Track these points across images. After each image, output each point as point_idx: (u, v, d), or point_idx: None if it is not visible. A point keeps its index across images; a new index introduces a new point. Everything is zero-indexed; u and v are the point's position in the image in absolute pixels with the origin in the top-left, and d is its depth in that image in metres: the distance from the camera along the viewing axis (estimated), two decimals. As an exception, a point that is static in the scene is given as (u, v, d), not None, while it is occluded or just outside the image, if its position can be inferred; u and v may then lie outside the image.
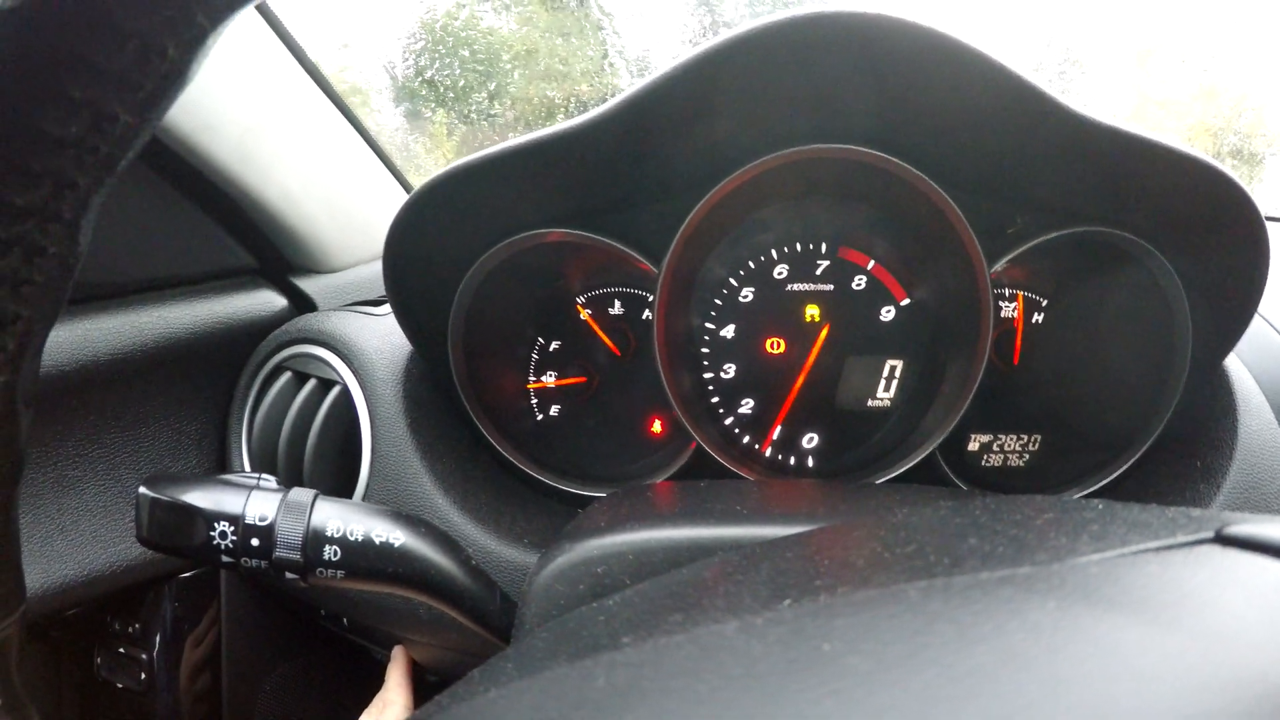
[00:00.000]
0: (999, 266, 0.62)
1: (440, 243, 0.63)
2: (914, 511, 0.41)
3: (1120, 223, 0.62)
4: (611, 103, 0.52)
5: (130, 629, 0.82)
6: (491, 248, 0.65)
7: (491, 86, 1.43)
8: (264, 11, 0.79)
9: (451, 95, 1.40)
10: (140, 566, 0.74)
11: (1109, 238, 0.62)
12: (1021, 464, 0.72)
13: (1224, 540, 0.27)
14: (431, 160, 1.37)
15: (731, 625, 0.26)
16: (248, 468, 0.76)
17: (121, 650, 0.82)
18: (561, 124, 0.54)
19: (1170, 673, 0.18)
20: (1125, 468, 0.68)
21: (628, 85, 0.96)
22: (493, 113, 1.41)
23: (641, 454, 0.72)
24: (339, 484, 0.70)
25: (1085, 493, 0.68)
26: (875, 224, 0.67)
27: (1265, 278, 0.60)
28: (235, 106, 0.75)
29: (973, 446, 0.71)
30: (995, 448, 0.71)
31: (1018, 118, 0.51)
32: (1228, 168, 0.54)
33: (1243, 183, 0.55)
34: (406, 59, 1.42)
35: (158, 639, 0.81)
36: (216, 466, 0.79)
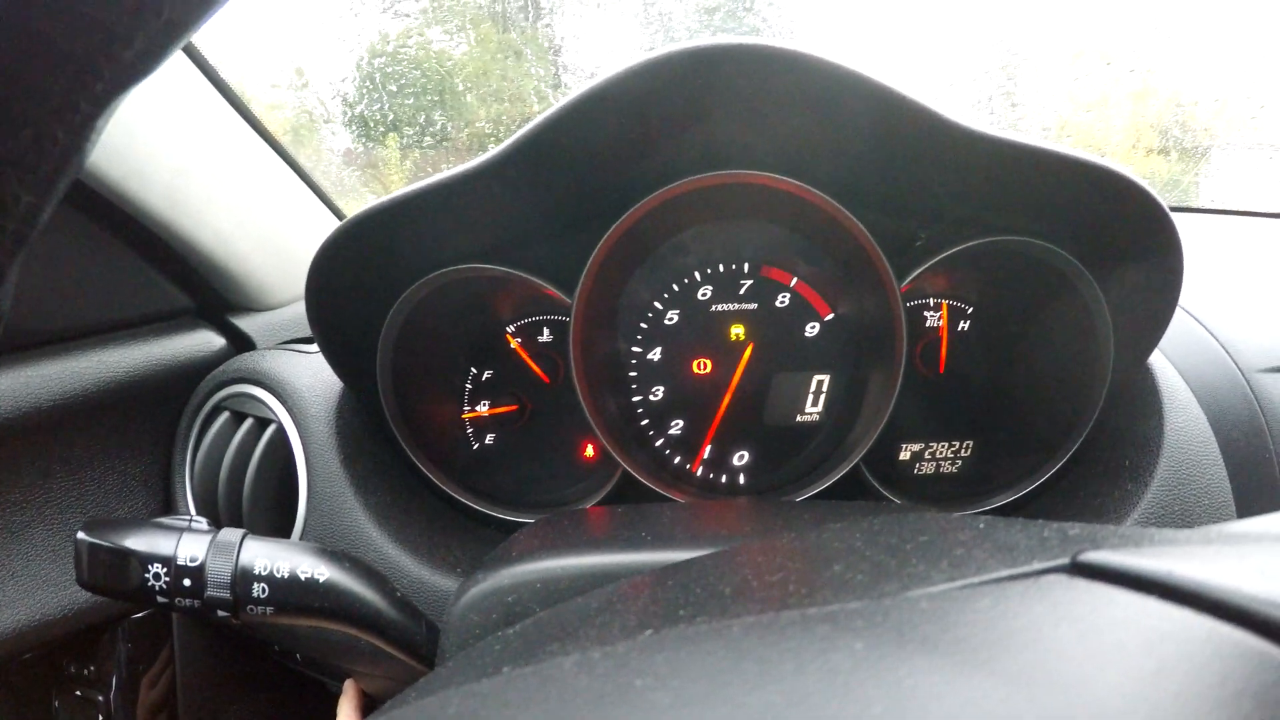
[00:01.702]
0: (911, 280, 0.64)
1: (360, 282, 0.66)
2: (798, 536, 0.43)
3: (1030, 231, 0.64)
4: (506, 143, 0.54)
5: (86, 671, 0.85)
6: (412, 284, 0.67)
7: (444, 108, 1.46)
8: (191, 54, 0.82)
9: (404, 118, 1.42)
10: (91, 609, 0.76)
11: (1021, 246, 0.65)
12: (955, 470, 0.74)
13: (1077, 568, 0.27)
14: (384, 185, 1.39)
15: (572, 659, 0.28)
16: (191, 508, 0.78)
17: (78, 693, 0.85)
18: (462, 165, 0.57)
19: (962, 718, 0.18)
20: (1055, 470, 0.70)
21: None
22: (446, 135, 1.44)
23: (575, 478, 0.74)
24: (278, 521, 0.72)
25: (1016, 496, 0.70)
26: (794, 243, 0.69)
27: (1180, 276, 0.62)
28: (164, 151, 0.78)
29: (904, 456, 0.73)
30: (927, 456, 0.73)
31: (907, 136, 0.54)
32: (1128, 169, 0.57)
33: (1144, 182, 0.57)
34: (358, 84, 1.44)
35: (113, 681, 0.83)
36: (162, 508, 0.81)
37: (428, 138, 1.44)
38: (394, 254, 0.65)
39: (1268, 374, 0.73)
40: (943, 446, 0.74)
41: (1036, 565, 0.27)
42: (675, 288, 0.71)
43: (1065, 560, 0.27)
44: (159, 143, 0.77)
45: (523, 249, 0.67)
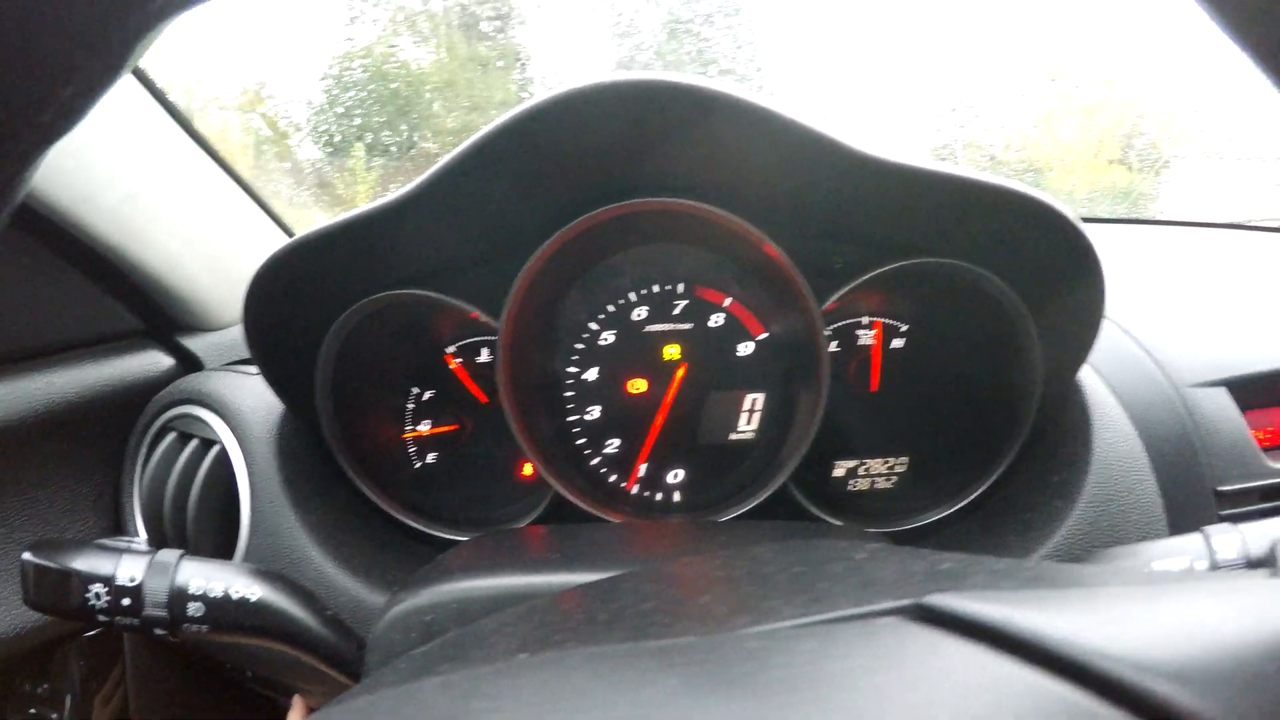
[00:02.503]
0: (835, 300, 0.66)
1: (297, 307, 0.69)
2: (688, 562, 0.46)
3: (951, 252, 0.66)
4: (427, 173, 0.57)
5: (40, 690, 0.87)
6: (347, 309, 0.70)
7: (411, 118, 1.49)
8: (141, 77, 0.85)
9: (370, 128, 1.45)
10: (43, 628, 0.79)
11: (943, 268, 0.67)
12: (890, 486, 0.77)
13: (920, 611, 0.27)
14: (351, 195, 1.42)
15: (434, 681, 0.31)
16: (140, 529, 0.81)
17: (33, 711, 0.87)
18: (388, 195, 0.59)
19: None
20: (986, 486, 0.73)
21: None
22: (413, 145, 1.47)
23: (514, 497, 0.77)
24: (222, 541, 0.75)
25: (949, 512, 0.73)
26: (725, 265, 0.72)
27: (1101, 293, 0.64)
28: (114, 175, 0.80)
29: (838, 473, 0.76)
30: (861, 472, 0.76)
31: (820, 167, 0.56)
32: (1039, 190, 0.59)
33: (1056, 202, 0.59)
34: (325, 94, 1.47)
35: (68, 699, 0.86)
36: (113, 528, 0.84)
37: (394, 148, 1.47)
38: (328, 280, 0.68)
39: (1200, 388, 0.75)
40: (878, 463, 0.76)
41: (882, 606, 0.28)
42: (611, 308, 0.74)
43: (910, 602, 0.28)
44: (108, 167, 0.80)
45: (457, 273, 0.69)
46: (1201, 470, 0.73)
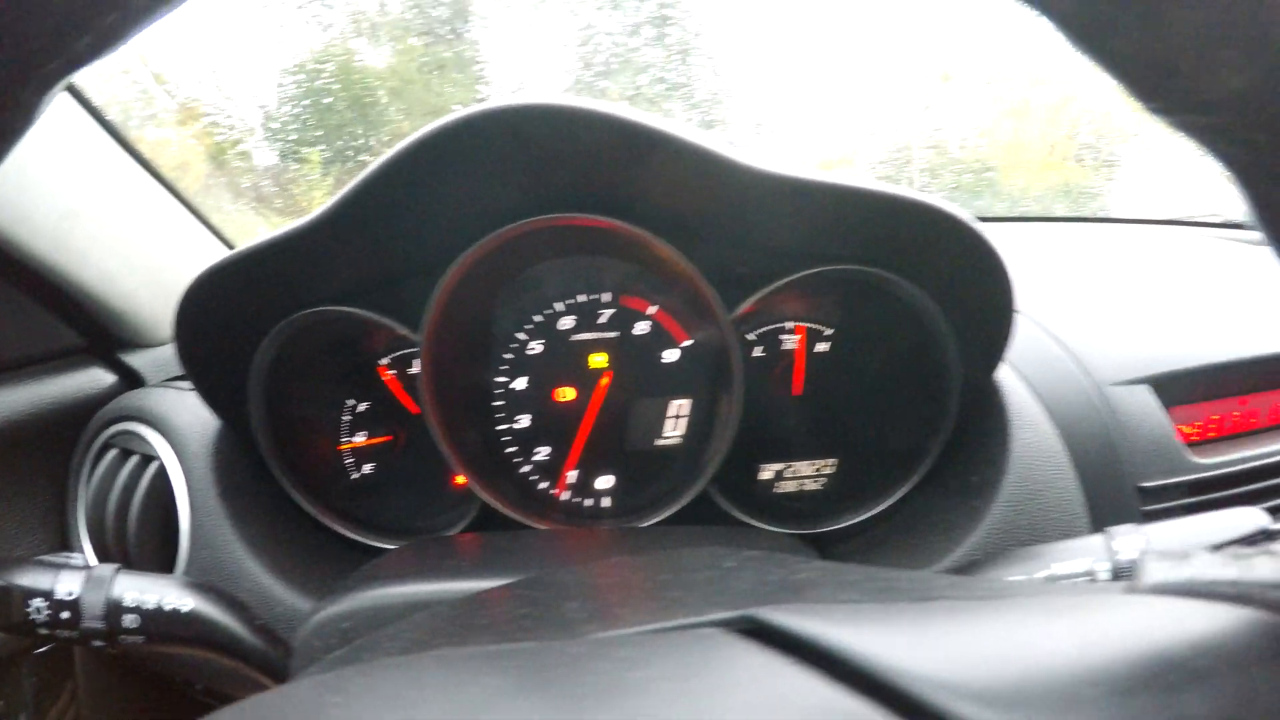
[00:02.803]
0: (745, 308, 0.69)
1: (226, 325, 0.70)
2: (575, 569, 0.48)
3: (860, 258, 0.68)
4: (336, 196, 0.59)
5: (-5, 706, 0.90)
6: (274, 327, 0.71)
7: (368, 122, 1.50)
8: (76, 94, 0.86)
9: (324, 132, 1.47)
10: (-6, 645, 0.81)
11: (854, 274, 0.69)
12: (818, 488, 0.79)
13: (747, 623, 0.28)
14: (308, 201, 1.43)
15: (306, 684, 0.32)
16: (86, 545, 0.83)
17: (-13, 728, 0.90)
18: (301, 219, 0.61)
19: None
20: (909, 488, 0.75)
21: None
22: (369, 148, 1.48)
23: (448, 506, 0.79)
24: (163, 555, 0.77)
25: (873, 512, 0.75)
26: (645, 275, 0.74)
27: (1009, 293, 0.66)
28: (52, 194, 0.82)
29: (765, 476, 0.78)
30: (788, 475, 0.78)
31: (713, 180, 0.58)
32: (933, 196, 0.61)
33: (951, 206, 0.61)
34: (280, 97, 1.48)
35: (21, 716, 0.88)
36: (60, 544, 0.86)
37: (350, 152, 1.48)
38: (256, 297, 0.70)
39: (1121, 387, 0.77)
40: (805, 465, 0.78)
41: (711, 617, 0.29)
42: (538, 318, 0.76)
43: (737, 614, 0.28)
44: (46, 186, 0.82)
45: (382, 288, 0.71)
46: (1124, 467, 0.75)
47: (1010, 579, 0.55)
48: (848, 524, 0.75)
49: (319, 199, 1.45)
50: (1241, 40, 0.20)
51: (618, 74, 1.34)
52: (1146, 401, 0.78)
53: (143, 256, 0.89)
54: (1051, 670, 0.20)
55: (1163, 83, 0.22)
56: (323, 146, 1.46)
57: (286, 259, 0.66)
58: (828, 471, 0.79)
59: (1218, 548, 0.54)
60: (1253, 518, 0.58)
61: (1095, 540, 0.56)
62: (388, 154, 0.57)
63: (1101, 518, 0.73)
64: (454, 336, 0.71)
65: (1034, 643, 0.23)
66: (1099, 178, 1.12)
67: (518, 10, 1.45)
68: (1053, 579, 0.55)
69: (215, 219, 0.96)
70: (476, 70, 1.50)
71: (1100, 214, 1.10)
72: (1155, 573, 0.27)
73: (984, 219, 1.25)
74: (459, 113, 0.55)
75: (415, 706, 0.23)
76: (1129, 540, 0.55)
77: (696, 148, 0.55)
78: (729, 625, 0.28)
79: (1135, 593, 0.27)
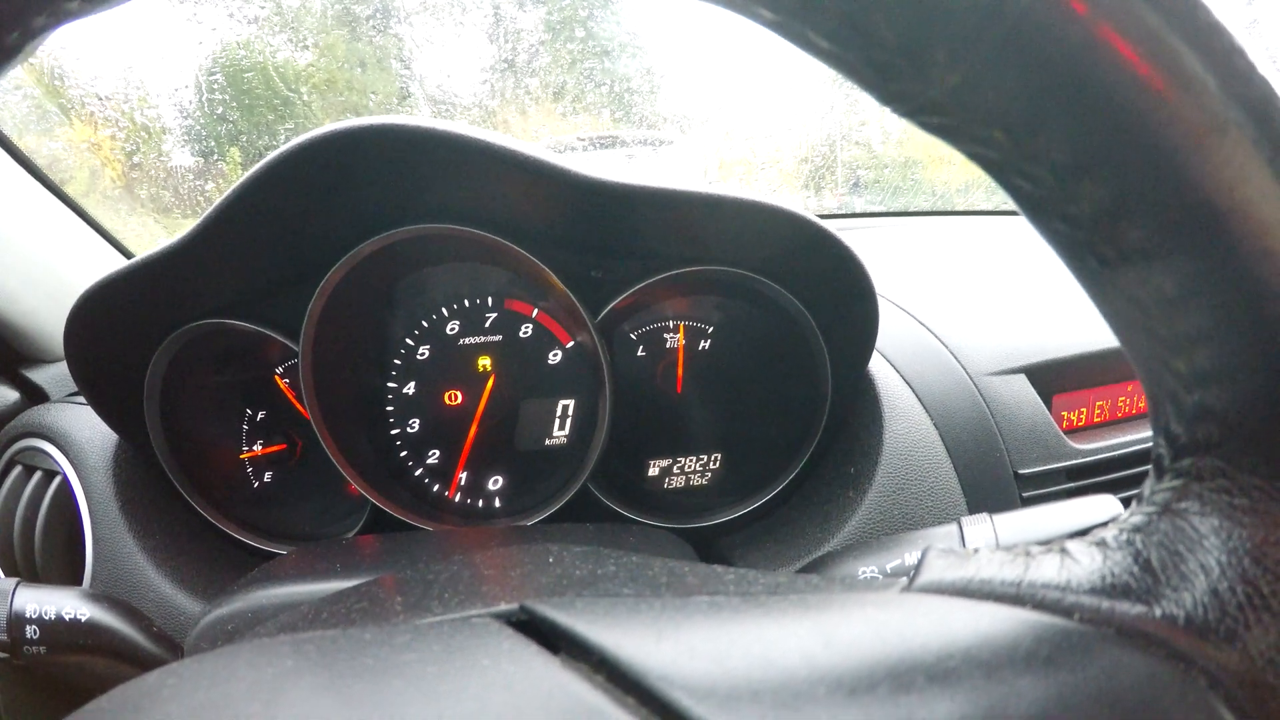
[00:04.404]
0: (609, 310, 0.76)
1: (114, 341, 0.77)
2: (426, 566, 0.55)
3: (719, 260, 0.75)
4: (209, 211, 0.66)
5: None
6: (162, 341, 0.78)
7: (290, 120, 1.56)
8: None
9: (245, 131, 1.52)
10: (-90, 664, 0.87)
11: (715, 274, 0.76)
12: (705, 483, 0.86)
13: (524, 614, 0.30)
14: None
15: (156, 673, 0.38)
16: (-6, 561, 0.90)
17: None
18: (178, 236, 0.68)
19: None
20: (790, 479, 0.82)
21: (426, 115, 1.11)
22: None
23: (346, 511, 0.86)
24: (70, 569, 0.84)
25: (756, 505, 0.82)
26: (522, 280, 0.81)
27: (868, 288, 0.72)
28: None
29: (652, 472, 0.85)
30: (676, 470, 0.85)
31: (553, 190, 0.65)
32: (772, 198, 0.68)
33: (793, 206, 0.68)
34: (197, 96, 1.54)
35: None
36: (-30, 560, 0.93)
37: (271, 150, 1.54)
38: (142, 313, 0.76)
39: (995, 377, 0.85)
40: (691, 460, 0.86)
41: (494, 609, 0.32)
42: (425, 324, 0.83)
43: (514, 606, 0.31)
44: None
45: (264, 299, 0.78)
46: (1002, 455, 0.82)
47: (810, 576, 0.62)
48: (729, 519, 0.82)
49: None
50: (944, 39, 0.20)
51: (541, 70, 1.41)
52: (1023, 390, 0.85)
53: (42, 271, 0.95)
54: (787, 669, 0.21)
55: (887, 85, 0.23)
56: (241, 147, 1.51)
57: (170, 273, 0.72)
58: (714, 467, 0.86)
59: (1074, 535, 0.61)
60: (1107, 506, 0.65)
61: (949, 529, 0.62)
62: (251, 171, 0.64)
63: (980, 504, 0.80)
64: (339, 344, 0.78)
65: (779, 641, 0.23)
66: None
67: (440, 7, 1.51)
68: (900, 570, 0.61)
69: (119, 230, 1.03)
70: (399, 67, 1.56)
71: (1001, 208, 1.17)
72: (933, 571, 0.28)
73: (894, 215, 1.32)
74: (308, 134, 0.61)
75: (227, 681, 0.26)
76: (978, 529, 0.61)
77: (540, 163, 0.62)
78: (504, 616, 0.31)
79: (910, 591, 0.28)
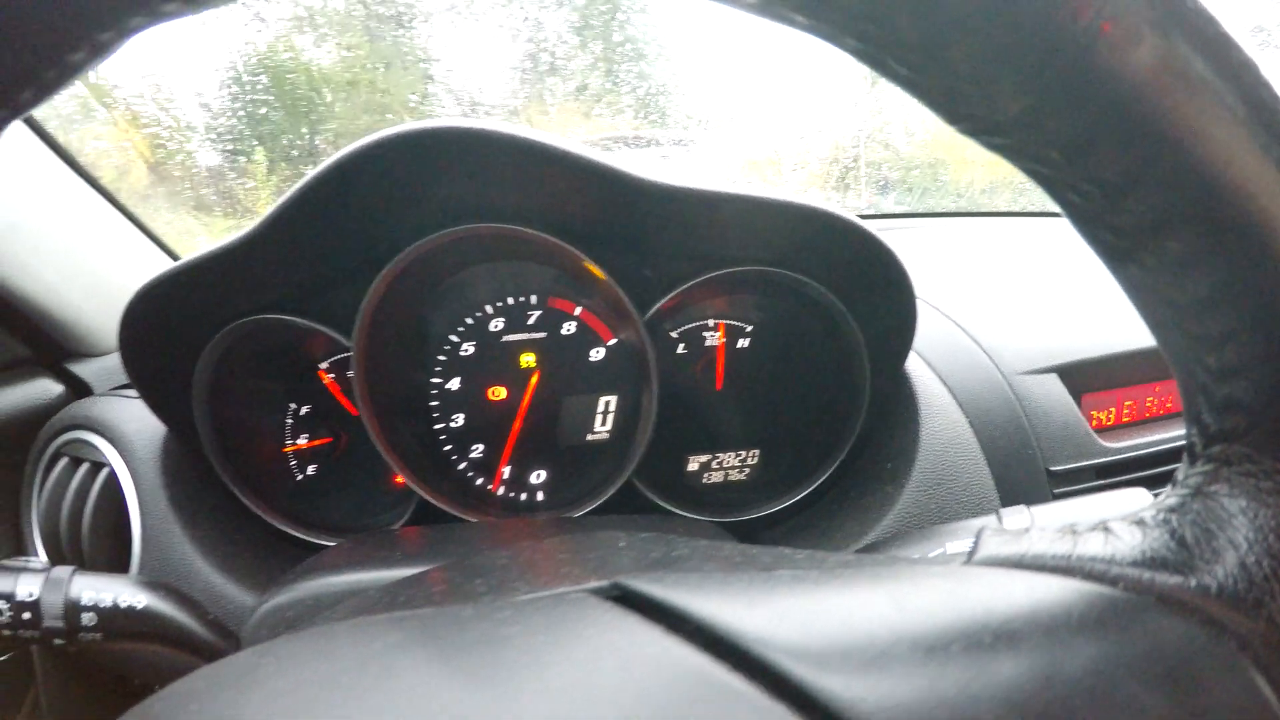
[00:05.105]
0: (656, 309, 0.80)
1: (167, 336, 0.80)
2: (495, 553, 0.58)
3: (763, 260, 0.79)
4: (266, 214, 0.69)
5: (-47, 718, 1.00)
6: (215, 335, 0.82)
7: (312, 121, 1.60)
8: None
9: (270, 131, 1.56)
10: (-49, 656, 0.91)
11: (758, 275, 0.80)
12: (744, 478, 0.90)
13: (618, 590, 0.31)
14: (253, 201, 1.53)
15: (244, 655, 0.42)
16: (40, 551, 0.93)
17: (-53, 740, 1.00)
18: (236, 234, 0.72)
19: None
20: (826, 476, 0.86)
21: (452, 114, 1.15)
22: (314, 148, 1.58)
23: (389, 503, 0.89)
24: (117, 559, 0.87)
25: (795, 499, 0.86)
26: (567, 279, 0.85)
27: (908, 288, 0.76)
28: (-6, 210, 0.92)
29: (692, 468, 0.89)
30: (714, 466, 0.89)
31: (607, 191, 0.69)
32: (816, 200, 0.72)
33: (841, 210, 0.72)
34: (222, 97, 1.58)
35: (-15, 727, 0.98)
36: (14, 551, 0.96)
37: (295, 152, 1.58)
38: (196, 308, 0.80)
39: (1029, 375, 0.89)
40: (729, 456, 0.89)
41: (586, 586, 0.33)
42: (469, 321, 0.86)
43: (608, 583, 0.32)
44: (-13, 202, 0.92)
45: (316, 296, 0.82)
46: (1034, 452, 0.86)
47: (874, 554, 0.66)
48: (769, 512, 0.86)
49: (264, 200, 1.55)
50: (1013, 72, 0.23)
51: (562, 70, 1.44)
52: (1055, 389, 0.89)
53: (86, 267, 0.99)
54: (869, 631, 0.23)
55: (956, 108, 0.26)
56: (266, 147, 1.55)
57: (225, 270, 0.76)
58: (751, 462, 0.90)
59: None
60: (1139, 498, 0.69)
61: (988, 520, 0.66)
62: (314, 171, 0.68)
63: (1012, 500, 0.84)
64: (387, 341, 0.81)
65: (859, 607, 0.25)
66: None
67: (461, 7, 1.55)
68: (943, 558, 0.65)
69: (156, 227, 1.06)
70: (422, 68, 1.60)
71: (1030, 209, 1.21)
72: (990, 547, 0.31)
73: (927, 215, 1.36)
74: (375, 135, 0.65)
75: (332, 657, 0.27)
76: (1016, 519, 0.65)
77: (600, 167, 0.66)
78: (600, 592, 0.32)
79: (970, 565, 0.30)
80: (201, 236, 1.39)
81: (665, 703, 0.21)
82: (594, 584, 0.33)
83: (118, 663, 0.92)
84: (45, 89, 0.25)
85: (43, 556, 0.92)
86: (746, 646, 0.23)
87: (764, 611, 0.25)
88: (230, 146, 1.56)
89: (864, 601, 0.26)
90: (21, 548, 0.96)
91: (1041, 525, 0.63)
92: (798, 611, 0.25)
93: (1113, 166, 0.25)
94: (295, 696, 0.24)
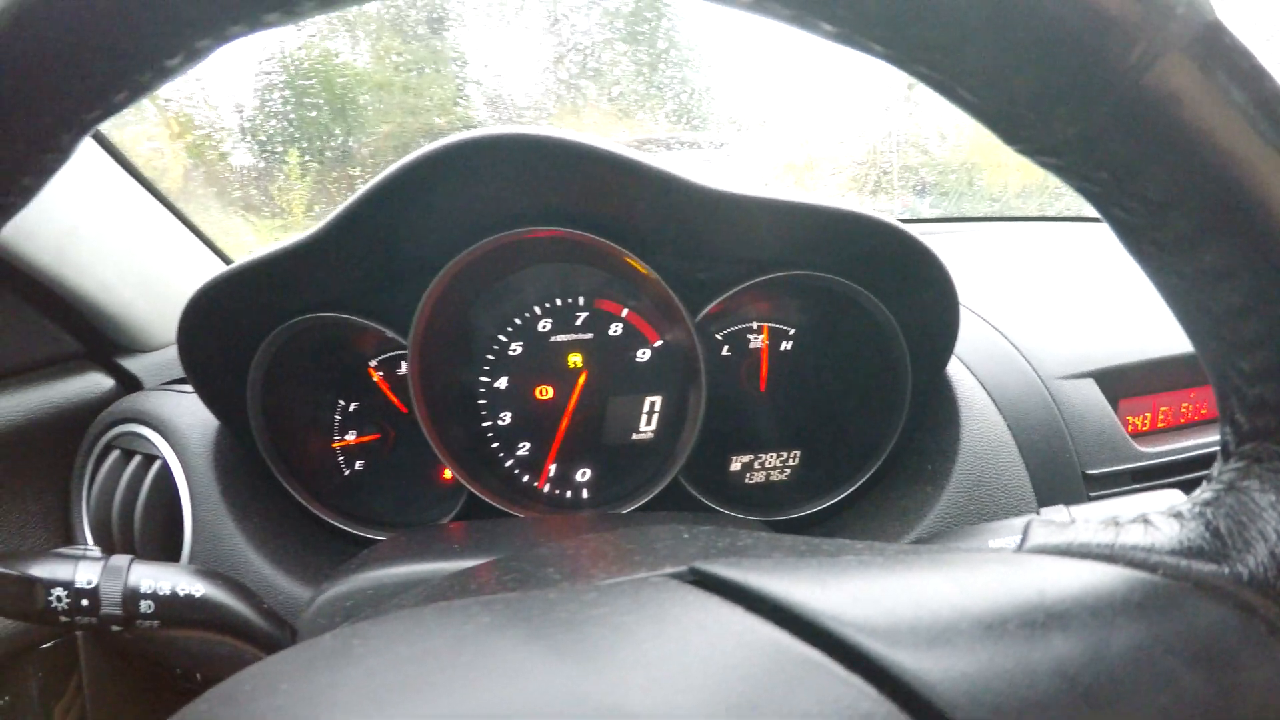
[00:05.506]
0: (706, 311, 0.82)
1: (225, 333, 0.83)
2: (558, 544, 0.61)
3: (810, 265, 0.82)
4: (330, 216, 0.72)
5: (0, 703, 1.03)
6: (271, 333, 0.85)
7: (346, 122, 1.64)
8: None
9: (303, 133, 1.60)
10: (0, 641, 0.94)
11: (805, 279, 0.83)
12: (785, 478, 0.92)
13: (694, 574, 0.33)
14: (287, 202, 1.57)
15: (328, 638, 0.45)
16: (90, 540, 0.96)
17: (-8, 725, 1.03)
18: (297, 235, 0.75)
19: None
20: (869, 475, 0.88)
21: (482, 117, 1.19)
22: (348, 149, 1.62)
23: (436, 499, 0.92)
24: (168, 549, 0.91)
25: (836, 500, 0.88)
26: (617, 281, 0.87)
27: (951, 292, 0.79)
28: (55, 212, 0.95)
29: (735, 467, 0.92)
30: (757, 466, 0.92)
31: (662, 195, 0.71)
32: (861, 206, 0.74)
33: (887, 216, 0.75)
34: (257, 100, 1.61)
35: (28, 712, 1.01)
36: (63, 540, 1.00)
37: (329, 153, 1.62)
38: (254, 306, 0.83)
39: (1066, 380, 0.91)
40: (771, 457, 0.92)
41: (664, 571, 0.35)
42: (518, 321, 0.89)
43: (684, 568, 0.34)
44: (49, 204, 0.95)
45: (371, 295, 0.85)
46: (1071, 456, 0.88)
47: (930, 545, 0.68)
48: (811, 512, 0.88)
49: (298, 201, 1.59)
50: (1069, 101, 0.26)
51: (598, 74, 1.48)
52: (1092, 394, 0.91)
53: (139, 266, 1.02)
54: (934, 610, 0.25)
55: (1014, 130, 0.28)
56: (300, 148, 1.59)
57: (285, 270, 0.79)
58: (793, 463, 0.92)
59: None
60: (1173, 499, 0.71)
61: (1028, 520, 0.69)
62: (381, 175, 0.71)
63: (1050, 502, 0.86)
64: (440, 339, 0.84)
65: (923, 589, 0.27)
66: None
67: (497, 10, 1.59)
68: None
69: (204, 227, 1.10)
70: (455, 70, 1.64)
71: (1065, 213, 1.23)
72: (1038, 537, 0.34)
73: (964, 220, 1.38)
74: (446, 139, 0.68)
75: (425, 637, 0.29)
76: (1057, 518, 0.68)
77: (659, 173, 0.69)
78: (677, 576, 0.34)
79: (1021, 553, 0.33)
80: (247, 235, 1.42)
81: (752, 674, 0.23)
82: (670, 569, 0.35)
83: (163, 651, 0.95)
84: (138, 91, 0.25)
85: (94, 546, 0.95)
86: (823, 624, 0.25)
87: (836, 593, 0.27)
88: (267, 148, 1.60)
89: (928, 584, 0.28)
90: (70, 538, 0.99)
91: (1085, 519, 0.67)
92: (868, 592, 0.27)
93: (1157, 186, 0.27)
94: (398, 672, 0.25)
